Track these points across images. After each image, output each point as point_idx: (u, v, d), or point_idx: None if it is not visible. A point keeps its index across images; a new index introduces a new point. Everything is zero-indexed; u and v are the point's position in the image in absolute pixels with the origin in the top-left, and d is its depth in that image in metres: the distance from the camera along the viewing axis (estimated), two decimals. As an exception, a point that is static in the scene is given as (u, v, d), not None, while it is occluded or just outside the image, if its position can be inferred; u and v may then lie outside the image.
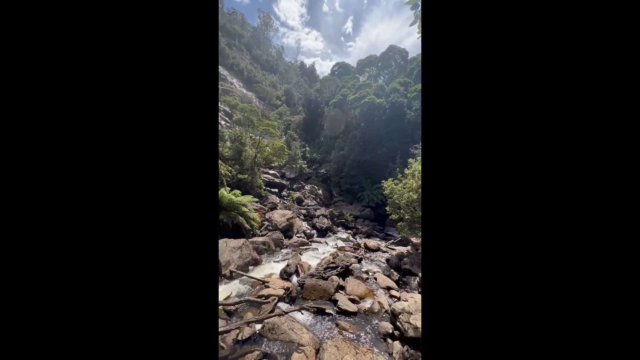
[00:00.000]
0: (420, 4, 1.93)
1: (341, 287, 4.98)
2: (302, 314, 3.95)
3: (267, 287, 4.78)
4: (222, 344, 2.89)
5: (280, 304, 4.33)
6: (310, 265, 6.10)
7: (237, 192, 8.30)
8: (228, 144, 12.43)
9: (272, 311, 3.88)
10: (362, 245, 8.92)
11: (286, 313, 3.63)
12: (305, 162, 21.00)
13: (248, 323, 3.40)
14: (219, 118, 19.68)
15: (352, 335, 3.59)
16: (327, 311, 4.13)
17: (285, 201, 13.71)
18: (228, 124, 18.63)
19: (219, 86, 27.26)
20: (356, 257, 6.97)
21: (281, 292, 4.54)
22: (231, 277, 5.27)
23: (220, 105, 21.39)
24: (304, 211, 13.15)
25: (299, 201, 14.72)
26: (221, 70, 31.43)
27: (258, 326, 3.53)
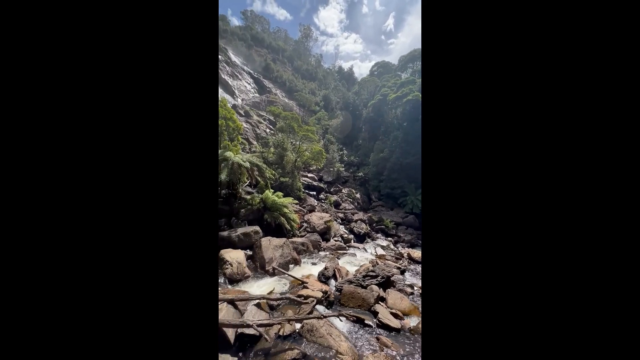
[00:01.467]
0: None
1: (382, 299, 4.66)
2: (340, 320, 3.87)
3: (306, 287, 4.90)
4: (265, 336, 3.09)
5: (318, 307, 4.36)
6: (348, 271, 5.95)
7: (280, 194, 8.91)
8: (272, 149, 13.56)
9: (310, 312, 3.94)
10: (405, 255, 8.17)
11: (325, 317, 3.62)
12: (343, 165, 20.90)
13: (289, 320, 3.54)
14: (265, 126, 21.72)
15: (395, 354, 3.28)
16: (366, 322, 3.92)
17: (322, 204, 13.92)
18: (272, 132, 20.35)
19: (265, 97, 30.19)
20: (398, 268, 6.42)
21: (319, 294, 4.57)
22: (273, 274, 5.64)
23: (265, 115, 23.62)
24: (341, 215, 13.04)
25: (337, 204, 14.69)
26: (267, 83, 34.84)
27: (298, 325, 3.63)
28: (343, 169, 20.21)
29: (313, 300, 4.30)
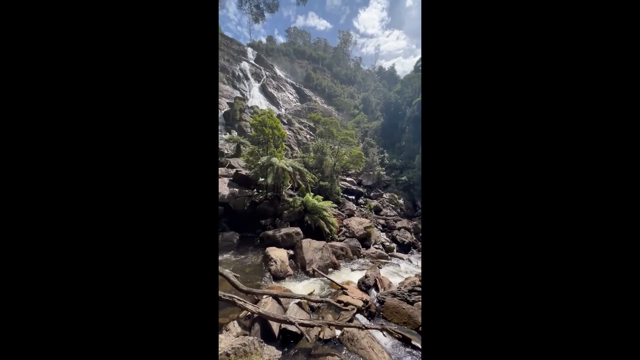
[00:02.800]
0: None
1: (432, 320, 4.10)
2: (384, 335, 3.61)
3: (346, 294, 4.80)
4: (307, 336, 3.17)
5: (359, 316, 4.19)
6: (390, 282, 5.54)
7: (319, 197, 9.13)
8: (312, 154, 14.10)
9: (350, 320, 3.83)
10: (461, 272, 7.01)
11: (366, 328, 3.45)
12: (384, 168, 19.82)
13: (329, 325, 3.54)
14: (305, 133, 22.86)
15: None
16: (413, 343, 3.53)
17: (362, 209, 13.49)
18: (312, 137, 21.22)
19: (306, 105, 31.84)
20: (453, 287, 5.55)
21: (360, 303, 4.40)
22: (313, 275, 5.77)
23: (306, 121, 24.84)
24: (382, 221, 12.31)
25: (377, 210, 13.97)
26: (307, 92, 36.75)
27: (337, 332, 3.58)
28: (384, 172, 19.16)
29: (353, 309, 4.17)
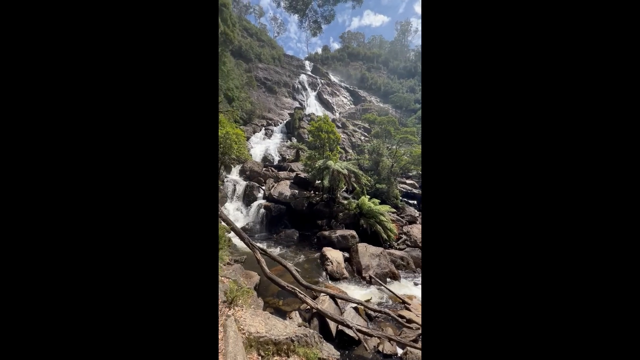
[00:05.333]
0: None
1: None
2: (459, 369, 2.99)
3: (408, 309, 4.31)
4: (365, 344, 3.05)
5: (425, 339, 3.66)
6: (468, 308, 4.54)
7: (376, 200, 8.70)
8: (367, 156, 13.66)
9: (415, 340, 3.40)
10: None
11: (436, 355, 2.96)
12: (455, 169, 16.64)
13: (390, 339, 3.28)
14: (359, 134, 22.46)
15: None
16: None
17: (426, 216, 11.81)
18: (367, 138, 20.59)
19: (360, 107, 31.32)
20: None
21: (426, 324, 3.84)
22: (370, 282, 5.51)
23: (360, 123, 24.39)
24: (453, 232, 10.33)
25: (446, 218, 11.85)
26: (361, 93, 36.09)
27: (399, 349, 3.26)
28: (455, 174, 16.08)
29: (418, 328, 3.69)
